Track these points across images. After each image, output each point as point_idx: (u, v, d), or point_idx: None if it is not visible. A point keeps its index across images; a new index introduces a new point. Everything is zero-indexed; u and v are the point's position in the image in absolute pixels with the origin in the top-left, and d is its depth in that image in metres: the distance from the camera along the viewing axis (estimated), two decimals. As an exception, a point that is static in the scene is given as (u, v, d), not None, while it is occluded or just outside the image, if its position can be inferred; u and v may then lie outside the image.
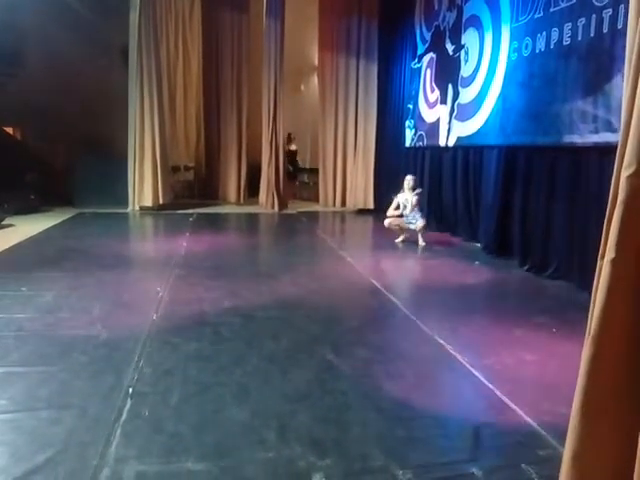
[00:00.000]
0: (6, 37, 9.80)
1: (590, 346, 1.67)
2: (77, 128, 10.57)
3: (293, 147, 13.95)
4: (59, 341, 3.50)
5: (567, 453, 1.73)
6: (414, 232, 7.36)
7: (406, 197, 7.34)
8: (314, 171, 12.31)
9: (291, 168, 13.17)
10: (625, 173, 1.57)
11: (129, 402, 2.70)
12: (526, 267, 5.93)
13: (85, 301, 4.40)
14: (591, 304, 1.72)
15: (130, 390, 2.83)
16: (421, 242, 7.31)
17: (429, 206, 9.00)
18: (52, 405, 2.66)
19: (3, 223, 8.14)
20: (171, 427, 2.49)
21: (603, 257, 1.64)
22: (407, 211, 7.32)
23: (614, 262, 1.59)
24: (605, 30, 4.77)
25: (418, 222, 7.25)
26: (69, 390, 2.83)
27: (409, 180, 7.42)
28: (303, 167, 14.49)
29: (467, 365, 3.29)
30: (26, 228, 7.88)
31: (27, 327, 3.74)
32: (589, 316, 1.72)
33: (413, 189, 7.34)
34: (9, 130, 11.30)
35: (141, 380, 2.97)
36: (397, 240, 7.51)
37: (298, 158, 14.45)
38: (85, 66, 10.49)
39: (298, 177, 14.03)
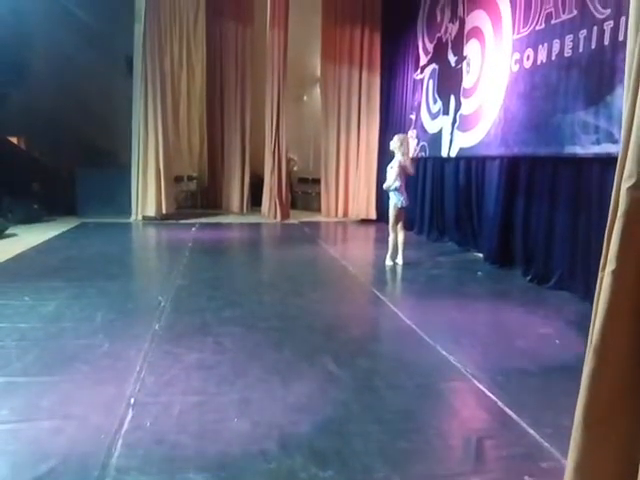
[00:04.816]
0: (10, 47, 9.88)
1: (592, 358, 1.66)
2: (81, 138, 10.64)
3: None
4: (61, 351, 3.51)
5: (569, 465, 1.73)
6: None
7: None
8: (316, 181, 12.28)
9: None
10: (625, 185, 1.57)
11: (131, 412, 2.70)
12: (529, 277, 5.92)
13: (87, 311, 4.40)
14: (592, 316, 1.72)
15: (132, 400, 2.83)
16: (399, 259, 6.53)
17: (431, 216, 9.06)
18: (54, 415, 2.66)
19: (6, 232, 8.17)
20: (173, 438, 2.48)
21: (604, 269, 1.64)
22: (389, 183, 6.34)
23: (615, 274, 1.59)
24: (606, 42, 4.79)
25: (391, 200, 6.38)
26: (71, 400, 2.83)
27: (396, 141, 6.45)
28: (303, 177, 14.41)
29: (469, 376, 3.28)
30: (29, 237, 7.91)
31: (29, 336, 3.75)
32: (590, 327, 1.72)
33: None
34: (13, 140, 11.36)
35: (143, 390, 2.96)
36: (387, 262, 6.59)
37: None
38: (90, 76, 10.57)
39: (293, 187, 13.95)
